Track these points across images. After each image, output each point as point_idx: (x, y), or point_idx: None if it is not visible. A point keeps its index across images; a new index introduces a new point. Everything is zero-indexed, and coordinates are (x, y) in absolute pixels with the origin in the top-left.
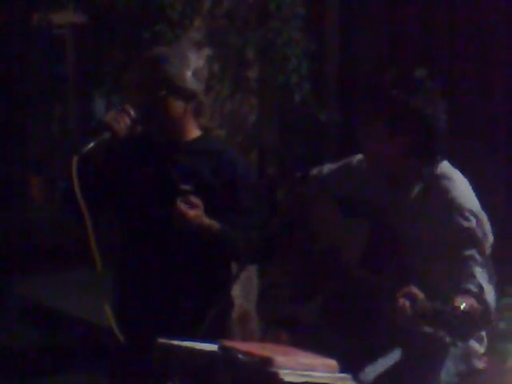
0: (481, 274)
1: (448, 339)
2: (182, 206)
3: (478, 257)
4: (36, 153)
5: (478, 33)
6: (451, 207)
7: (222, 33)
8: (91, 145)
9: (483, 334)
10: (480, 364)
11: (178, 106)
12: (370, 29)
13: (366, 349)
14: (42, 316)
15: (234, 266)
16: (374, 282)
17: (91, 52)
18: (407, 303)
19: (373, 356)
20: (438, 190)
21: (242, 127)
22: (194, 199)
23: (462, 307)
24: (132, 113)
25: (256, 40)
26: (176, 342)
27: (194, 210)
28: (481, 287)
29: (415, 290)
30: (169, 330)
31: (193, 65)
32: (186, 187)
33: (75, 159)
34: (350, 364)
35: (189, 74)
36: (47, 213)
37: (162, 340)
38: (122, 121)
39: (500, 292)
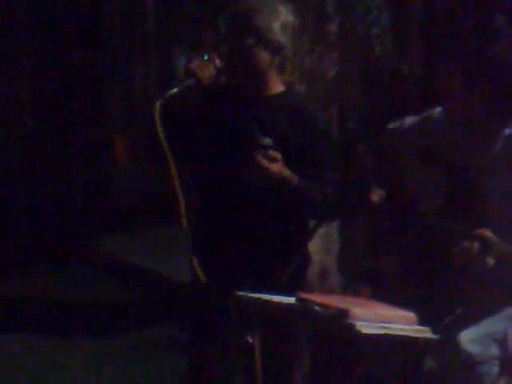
0: None
1: None
2: (263, 161)
3: None
4: (119, 112)
5: None
6: None
7: None
8: (175, 90)
9: None
10: None
11: (264, 57)
12: None
13: (444, 301)
14: (127, 273)
15: (311, 222)
16: (451, 232)
17: (171, 10)
18: (476, 245)
19: (451, 308)
20: None
21: (323, 82)
22: (274, 153)
23: None
24: (217, 62)
25: None
26: (254, 295)
27: (275, 164)
28: None
29: (488, 233)
30: (249, 282)
31: (282, 18)
32: (267, 141)
33: (158, 103)
34: (429, 316)
35: (277, 26)
36: (131, 171)
37: (239, 293)
38: (207, 69)
39: None
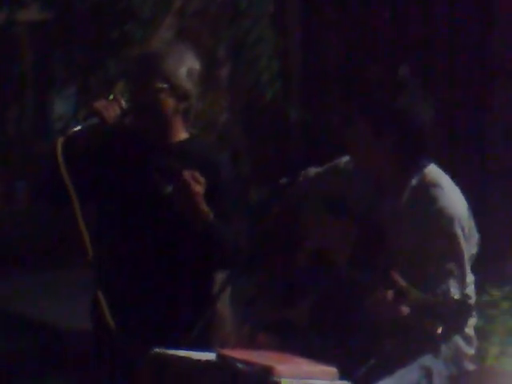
0: (455, 289)
1: (440, 330)
2: (189, 178)
3: (456, 270)
4: None
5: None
6: (438, 218)
7: (192, 32)
8: (77, 128)
9: (473, 335)
10: (470, 366)
11: (169, 103)
12: (331, 24)
13: (357, 351)
14: (8, 321)
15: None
16: (360, 282)
17: (51, 51)
18: (390, 294)
19: (365, 358)
20: (426, 199)
21: (213, 127)
22: (200, 176)
23: (455, 297)
24: (122, 103)
25: (227, 39)
26: (171, 352)
27: (199, 186)
28: None
29: (402, 281)
30: (157, 335)
31: (188, 64)
32: (170, 189)
33: (60, 140)
34: (344, 367)
35: (183, 72)
36: (5, 213)
37: (156, 350)
38: (112, 109)
39: (480, 290)
